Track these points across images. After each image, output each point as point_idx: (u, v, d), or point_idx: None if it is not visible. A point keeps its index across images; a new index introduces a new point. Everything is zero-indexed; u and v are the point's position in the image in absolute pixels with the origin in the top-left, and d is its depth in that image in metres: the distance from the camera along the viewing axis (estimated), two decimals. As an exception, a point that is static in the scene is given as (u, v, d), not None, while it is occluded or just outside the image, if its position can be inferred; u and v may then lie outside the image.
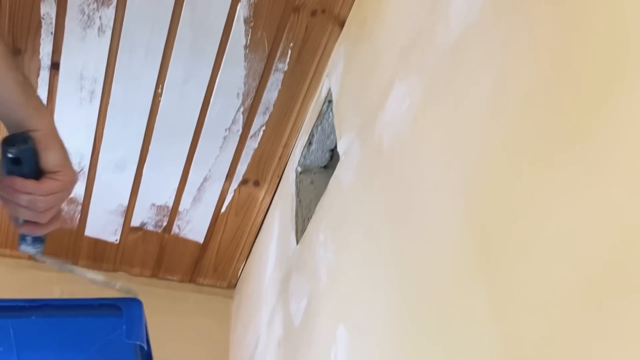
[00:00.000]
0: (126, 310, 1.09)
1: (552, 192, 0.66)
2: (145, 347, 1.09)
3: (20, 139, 0.88)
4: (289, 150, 1.76)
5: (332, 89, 1.49)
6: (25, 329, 1.07)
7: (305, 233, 1.47)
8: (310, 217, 1.55)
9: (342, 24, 1.49)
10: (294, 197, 1.62)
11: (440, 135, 0.92)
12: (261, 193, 1.88)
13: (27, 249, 0.99)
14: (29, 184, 0.88)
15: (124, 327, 1.07)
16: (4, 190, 0.89)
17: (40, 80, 1.58)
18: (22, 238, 1.00)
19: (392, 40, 1.18)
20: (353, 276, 1.14)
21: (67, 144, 1.69)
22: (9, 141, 0.89)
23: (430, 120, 0.96)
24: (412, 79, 1.06)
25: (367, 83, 1.27)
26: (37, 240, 1.00)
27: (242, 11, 1.49)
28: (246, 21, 1.51)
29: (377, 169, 1.13)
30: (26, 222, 0.94)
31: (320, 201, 1.41)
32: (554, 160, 0.67)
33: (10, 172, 0.90)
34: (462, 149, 0.86)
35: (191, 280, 2.17)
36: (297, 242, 1.51)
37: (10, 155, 0.87)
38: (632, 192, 0.55)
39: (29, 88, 0.88)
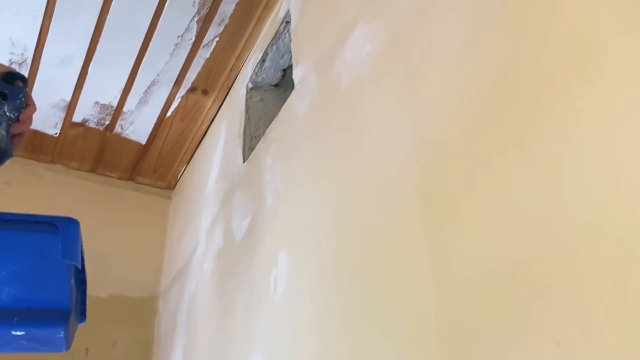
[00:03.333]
0: (63, 229, 1.10)
1: (499, 170, 0.72)
2: (80, 267, 1.11)
3: (11, 75, 0.98)
4: (240, 63, 1.75)
5: (291, 11, 1.48)
6: None
7: (253, 153, 1.50)
8: (258, 136, 1.58)
9: (307, -56, 1.47)
10: (243, 114, 1.64)
11: (400, 88, 0.96)
12: (208, 102, 1.88)
13: None
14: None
15: (60, 246, 1.08)
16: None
17: (-16, -35, 1.50)
18: None
19: (359, -24, 1.18)
20: (300, 205, 1.20)
21: (11, 34, 1.64)
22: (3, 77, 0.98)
23: (391, 71, 0.99)
24: (376, 24, 1.07)
25: (329, 15, 1.27)
26: None
27: None
28: None
29: (333, 105, 1.16)
30: None
31: (271, 125, 1.43)
32: (508, 138, 0.72)
33: None
34: (420, 108, 0.90)
35: (130, 178, 2.18)
36: (244, 160, 1.55)
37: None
38: (571, 182, 0.61)
39: None
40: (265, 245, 1.30)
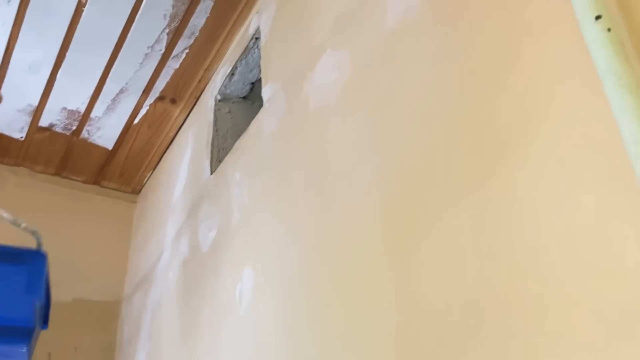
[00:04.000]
0: (30, 263, 1.15)
1: (458, 206, 0.77)
2: (44, 301, 1.16)
3: None
4: (209, 74, 1.78)
5: (261, 28, 1.52)
6: None
7: (220, 166, 1.53)
8: (226, 148, 1.61)
9: (278, -36, 1.51)
10: (211, 125, 1.67)
11: (366, 118, 1.00)
12: (176, 110, 1.91)
13: None
14: None
15: (25, 280, 1.13)
16: None
17: (-46, -28, 1.50)
18: None
19: (328, 3, 1.22)
20: (266, 223, 1.24)
21: (-21, 41, 1.64)
22: None
23: (358, 101, 1.04)
24: (344, 52, 1.12)
25: (298, 37, 1.31)
26: None
27: None
28: (182, -55, 1.49)
29: (301, 127, 1.20)
30: None
31: (239, 140, 1.47)
32: (466, 178, 0.77)
33: None
34: (385, 139, 0.94)
35: (95, 182, 2.19)
36: (212, 172, 1.58)
37: None
38: (521, 226, 0.67)
39: None
40: (231, 259, 1.34)
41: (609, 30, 0.56)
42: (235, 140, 1.64)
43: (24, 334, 1.15)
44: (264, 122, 1.36)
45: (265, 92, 1.39)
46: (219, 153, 1.61)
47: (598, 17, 0.57)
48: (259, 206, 1.29)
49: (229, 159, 1.50)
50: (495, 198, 0.71)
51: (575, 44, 0.63)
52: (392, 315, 0.84)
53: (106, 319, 2.03)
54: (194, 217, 1.63)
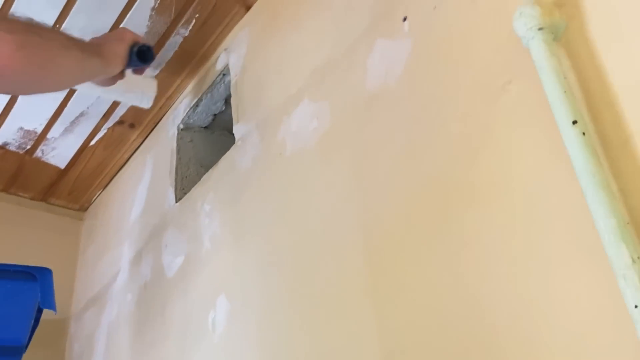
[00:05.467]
0: (40, 278, 1.20)
1: (434, 255, 0.90)
2: (55, 312, 1.21)
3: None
4: (171, 102, 1.85)
5: (230, 66, 1.60)
6: None
7: (187, 195, 1.60)
8: (189, 176, 1.69)
9: (248, 8, 1.60)
10: (174, 153, 1.74)
11: (347, 169, 1.12)
12: (134, 134, 1.96)
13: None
14: None
15: (39, 294, 1.18)
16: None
17: None
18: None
19: (305, 53, 1.33)
20: (242, 254, 1.32)
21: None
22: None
23: (338, 152, 1.15)
24: (322, 104, 1.23)
25: (273, 81, 1.41)
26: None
27: (155, -26, 1.54)
28: (158, -16, 1.56)
29: (278, 168, 1.30)
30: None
31: (208, 173, 1.55)
32: (442, 231, 0.90)
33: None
34: (367, 190, 1.06)
35: (43, 199, 2.20)
36: (177, 200, 1.65)
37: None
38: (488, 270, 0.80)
39: (86, 48, 1.10)
40: (202, 287, 1.42)
41: (584, 134, 0.70)
42: (198, 169, 1.72)
43: (15, 352, 1.21)
44: (237, 159, 1.44)
45: (238, 130, 1.48)
46: (182, 181, 1.68)
47: (575, 122, 0.71)
48: (232, 238, 1.37)
49: (197, 190, 1.57)
50: (469, 251, 0.84)
51: (545, 134, 0.77)
52: (376, 346, 0.95)
53: (54, 336, 2.04)
54: (156, 242, 1.69)
